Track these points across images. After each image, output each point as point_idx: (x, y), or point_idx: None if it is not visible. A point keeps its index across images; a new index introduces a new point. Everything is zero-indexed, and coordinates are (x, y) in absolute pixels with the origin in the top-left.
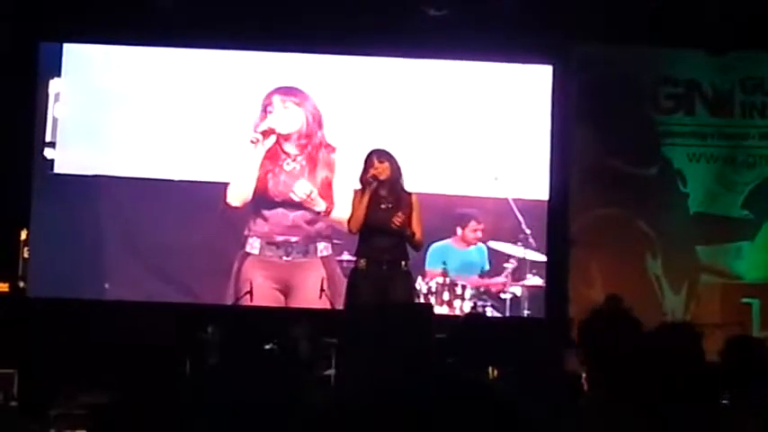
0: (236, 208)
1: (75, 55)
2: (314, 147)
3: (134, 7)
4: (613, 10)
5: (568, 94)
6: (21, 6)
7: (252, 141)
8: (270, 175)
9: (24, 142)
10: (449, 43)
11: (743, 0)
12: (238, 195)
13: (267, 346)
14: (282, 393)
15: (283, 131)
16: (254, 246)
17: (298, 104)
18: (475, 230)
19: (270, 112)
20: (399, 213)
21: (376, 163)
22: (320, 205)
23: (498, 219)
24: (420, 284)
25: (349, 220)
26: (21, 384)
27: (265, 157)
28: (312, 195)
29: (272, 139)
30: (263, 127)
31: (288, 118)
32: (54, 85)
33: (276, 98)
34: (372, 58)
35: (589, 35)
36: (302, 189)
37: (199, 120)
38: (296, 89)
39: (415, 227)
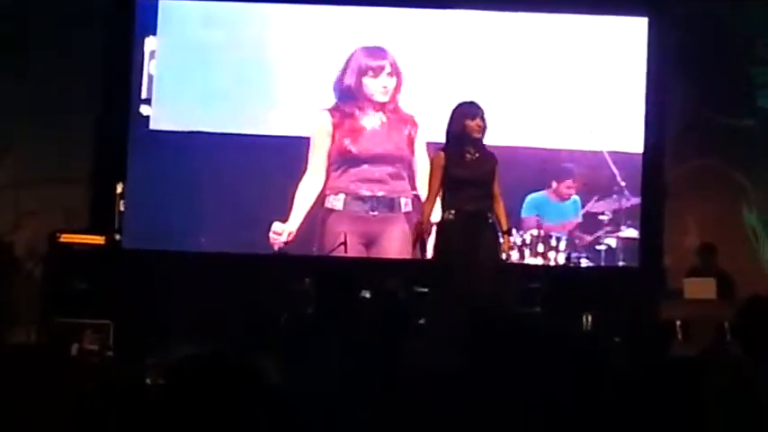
0: None
1: (170, 11)
2: (395, 105)
3: None
4: None
5: (664, 47)
6: None
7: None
8: (348, 138)
9: (121, 99)
10: None
11: None
12: None
13: (362, 295)
14: (380, 342)
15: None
16: (336, 201)
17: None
18: (569, 188)
19: (351, 69)
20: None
21: (469, 121)
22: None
23: (593, 172)
24: (515, 236)
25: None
26: (116, 335)
27: (343, 117)
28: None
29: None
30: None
31: (369, 77)
32: (149, 43)
33: (359, 53)
34: (466, 11)
35: None
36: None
37: (294, 75)
38: (380, 49)
39: (496, 188)
